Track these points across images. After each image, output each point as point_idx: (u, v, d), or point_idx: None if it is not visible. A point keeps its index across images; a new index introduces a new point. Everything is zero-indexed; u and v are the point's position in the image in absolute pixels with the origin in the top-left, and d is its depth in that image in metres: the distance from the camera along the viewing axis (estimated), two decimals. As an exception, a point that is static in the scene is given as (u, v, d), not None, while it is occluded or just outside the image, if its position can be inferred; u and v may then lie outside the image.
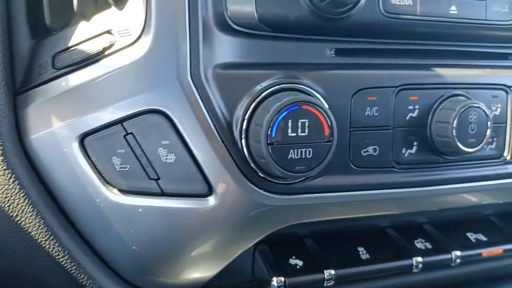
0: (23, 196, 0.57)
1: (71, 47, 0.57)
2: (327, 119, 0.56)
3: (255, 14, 0.56)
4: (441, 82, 0.65)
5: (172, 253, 0.61)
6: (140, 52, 0.55)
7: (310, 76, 0.59)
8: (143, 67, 0.55)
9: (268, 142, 0.54)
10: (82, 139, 0.57)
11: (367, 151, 0.62)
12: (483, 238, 0.76)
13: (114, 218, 0.59)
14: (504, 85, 0.69)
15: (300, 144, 0.55)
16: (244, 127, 0.56)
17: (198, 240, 0.61)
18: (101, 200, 0.57)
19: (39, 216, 0.58)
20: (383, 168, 0.63)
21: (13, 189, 0.57)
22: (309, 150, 0.55)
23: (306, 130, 0.55)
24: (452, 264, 0.71)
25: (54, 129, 0.57)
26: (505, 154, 0.70)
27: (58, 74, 0.58)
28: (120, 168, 0.57)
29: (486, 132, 0.64)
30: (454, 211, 0.77)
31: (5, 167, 0.56)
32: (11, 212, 0.58)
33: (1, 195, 0.58)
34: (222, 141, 0.56)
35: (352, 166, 0.61)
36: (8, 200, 0.58)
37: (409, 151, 0.65)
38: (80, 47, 0.57)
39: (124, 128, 0.56)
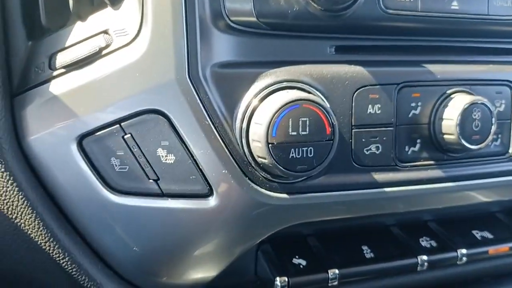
0: (22, 198, 0.57)
1: (68, 47, 0.57)
2: (328, 117, 0.55)
3: (253, 12, 0.56)
4: (443, 79, 0.64)
5: (174, 253, 0.61)
6: (137, 52, 0.55)
7: (311, 74, 0.59)
8: (140, 67, 0.54)
9: (269, 141, 0.53)
10: (81, 140, 0.56)
11: (370, 149, 0.61)
12: (489, 235, 0.75)
13: (114, 220, 0.58)
14: (508, 80, 0.68)
15: (301, 143, 0.54)
16: (244, 126, 0.56)
17: (199, 241, 0.60)
18: (100, 202, 0.57)
19: (38, 218, 0.58)
20: (386, 166, 0.62)
21: (12, 191, 0.57)
22: (310, 149, 0.55)
23: (307, 129, 0.54)
24: (458, 263, 0.70)
25: (52, 130, 0.57)
26: (510, 150, 0.69)
27: (55, 75, 0.57)
28: (119, 169, 0.56)
29: (491, 128, 0.63)
30: (459, 209, 0.75)
31: (3, 169, 0.56)
32: (10, 214, 0.58)
33: (0, 198, 0.57)
34: (222, 141, 0.56)
35: (355, 164, 0.61)
36: (7, 202, 0.57)
37: (412, 148, 0.64)
38: (76, 47, 0.56)
39: (123, 129, 0.55)
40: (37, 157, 0.58)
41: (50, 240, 0.58)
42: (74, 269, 0.60)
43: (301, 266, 0.65)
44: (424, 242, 0.71)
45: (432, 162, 0.64)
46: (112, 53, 0.55)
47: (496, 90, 0.67)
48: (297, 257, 0.66)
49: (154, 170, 0.56)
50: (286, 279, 0.63)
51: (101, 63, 0.56)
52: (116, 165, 0.56)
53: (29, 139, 0.58)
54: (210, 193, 0.57)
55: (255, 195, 0.57)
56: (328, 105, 0.58)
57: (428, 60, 0.65)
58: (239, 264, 0.65)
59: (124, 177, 0.56)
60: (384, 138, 0.61)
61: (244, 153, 0.56)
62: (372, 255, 0.68)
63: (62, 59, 0.56)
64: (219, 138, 0.56)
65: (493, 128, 0.63)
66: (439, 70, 0.64)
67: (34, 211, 0.57)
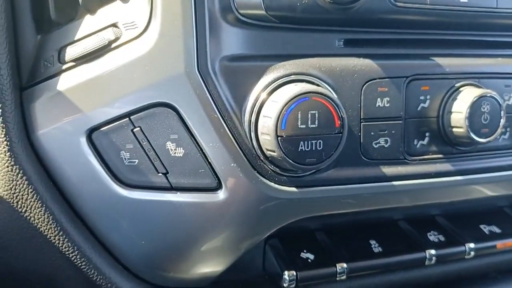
0: (32, 191, 0.57)
1: (77, 40, 0.57)
2: (338, 110, 0.55)
3: (262, 5, 0.56)
4: (452, 72, 0.64)
5: (182, 247, 0.61)
6: (147, 45, 0.54)
7: (319, 67, 0.59)
8: (149, 60, 0.54)
9: (278, 134, 0.53)
10: (90, 133, 0.56)
11: (378, 142, 0.61)
12: (497, 230, 0.75)
13: (123, 213, 0.58)
14: None
15: (310, 136, 0.54)
16: (253, 119, 0.56)
17: (207, 235, 0.60)
18: (109, 195, 0.57)
19: (48, 212, 0.58)
20: (395, 159, 0.62)
21: (21, 185, 0.57)
22: (320, 142, 0.55)
23: (316, 122, 0.54)
24: (466, 257, 0.70)
25: (61, 124, 0.57)
26: (520, 144, 0.68)
27: (64, 68, 0.57)
28: (129, 162, 0.56)
29: (500, 122, 0.62)
30: (467, 203, 0.76)
31: (12, 163, 0.56)
32: (20, 208, 0.58)
33: (9, 191, 0.57)
34: (231, 134, 0.56)
35: (363, 158, 0.60)
36: (17, 196, 0.57)
37: (421, 142, 0.63)
38: (86, 40, 0.56)
39: (132, 122, 0.55)
40: (46, 151, 0.58)
41: (60, 234, 0.58)
42: (84, 263, 0.60)
43: (309, 260, 0.65)
44: (432, 237, 0.71)
45: (440, 155, 0.64)
46: (121, 46, 0.55)
47: (505, 83, 0.67)
48: (305, 251, 0.67)
49: (163, 164, 0.56)
50: (294, 273, 0.63)
51: (110, 56, 0.56)
52: (125, 159, 0.56)
53: (38, 133, 0.58)
54: (219, 186, 0.57)
55: (264, 188, 0.57)
56: (337, 98, 0.58)
57: (437, 53, 0.64)
58: (247, 258, 0.65)
59: (133, 171, 0.56)
60: (392, 132, 0.61)
61: (253, 146, 0.56)
62: (380, 249, 0.68)
63: (71, 52, 0.56)
64: (228, 132, 0.55)
65: (502, 121, 0.63)
66: (448, 63, 0.64)
67: (44, 205, 0.57)
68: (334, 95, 0.57)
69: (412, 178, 0.63)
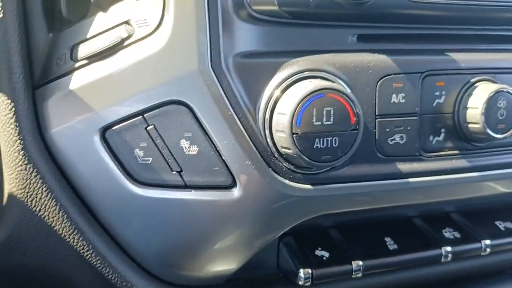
0: (46, 190, 0.57)
1: (89, 38, 0.57)
2: (353, 106, 0.54)
3: (275, 1, 0.55)
4: (467, 67, 0.63)
5: (196, 246, 0.60)
6: (159, 42, 0.54)
7: (333, 63, 0.58)
8: (162, 58, 0.54)
9: (293, 131, 0.52)
10: (103, 132, 0.56)
11: (394, 139, 0.60)
12: (513, 226, 0.74)
13: (137, 211, 0.58)
14: None
15: (325, 133, 0.53)
16: (267, 117, 0.55)
17: (222, 233, 0.60)
18: (123, 194, 0.57)
19: (62, 210, 0.58)
20: (410, 156, 0.61)
21: (35, 184, 0.57)
22: (335, 139, 0.54)
23: (332, 119, 0.53)
24: (482, 253, 0.70)
25: (75, 122, 0.57)
26: (537, 140, 0.67)
27: (77, 67, 0.57)
28: (142, 160, 0.56)
29: (516, 118, 0.62)
30: (482, 199, 0.75)
31: (26, 162, 0.56)
32: (34, 207, 0.58)
33: (23, 190, 0.57)
34: (245, 132, 0.55)
35: (379, 154, 0.60)
36: (31, 195, 0.57)
37: (436, 138, 0.63)
38: (98, 38, 0.56)
39: (146, 120, 0.55)
40: (60, 150, 0.58)
41: (74, 233, 0.58)
42: (99, 262, 0.60)
43: (324, 258, 0.64)
44: (448, 233, 0.71)
45: (456, 151, 0.63)
46: (134, 43, 0.55)
47: (522, 77, 0.66)
48: (319, 249, 0.66)
49: (177, 162, 0.56)
50: (310, 271, 0.62)
51: (123, 54, 0.55)
52: (139, 157, 0.56)
53: (51, 131, 0.57)
54: (233, 184, 0.56)
55: (279, 186, 0.57)
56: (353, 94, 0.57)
57: (452, 48, 0.64)
58: (261, 256, 0.65)
59: (147, 169, 0.56)
60: (408, 128, 0.60)
61: (267, 143, 0.56)
62: (395, 246, 0.67)
63: (83, 50, 0.56)
64: (242, 129, 0.55)
65: (519, 117, 0.62)
66: (463, 58, 0.63)
67: (58, 203, 0.57)
68: (349, 91, 0.56)
69: (428, 175, 0.62)
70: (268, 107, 0.55)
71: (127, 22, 0.56)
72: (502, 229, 0.73)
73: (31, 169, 0.56)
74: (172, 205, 0.57)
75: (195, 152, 0.55)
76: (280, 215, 0.59)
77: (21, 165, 0.56)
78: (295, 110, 0.52)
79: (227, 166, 0.56)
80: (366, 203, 0.62)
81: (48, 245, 0.60)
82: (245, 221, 0.59)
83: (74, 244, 0.59)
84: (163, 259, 0.62)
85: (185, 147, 0.55)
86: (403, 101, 0.60)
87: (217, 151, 0.55)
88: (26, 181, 0.57)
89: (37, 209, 0.58)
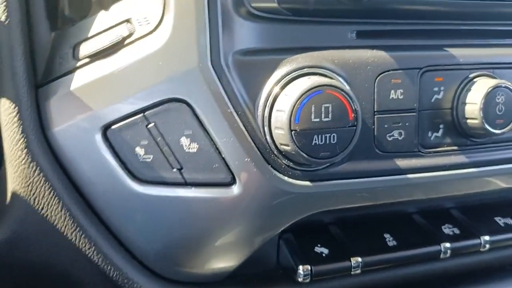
0: (49, 188, 0.58)
1: (91, 37, 0.57)
2: (351, 103, 0.55)
3: (275, -2, 0.55)
4: (466, 63, 0.63)
5: (197, 243, 0.61)
6: (160, 40, 0.55)
7: (332, 60, 0.58)
8: (163, 56, 0.54)
9: (292, 128, 0.53)
10: (105, 130, 0.57)
11: (392, 135, 0.61)
12: (512, 222, 0.74)
13: (138, 209, 0.59)
14: None
15: (324, 130, 0.54)
16: (266, 114, 0.56)
17: (222, 230, 0.60)
18: (125, 191, 0.57)
19: (64, 208, 0.58)
20: (409, 152, 0.62)
21: (38, 182, 0.57)
22: (334, 136, 0.54)
23: (330, 115, 0.54)
24: (481, 250, 0.70)
25: (77, 121, 0.57)
26: (536, 135, 0.68)
27: (79, 65, 0.57)
28: (143, 158, 0.56)
29: (515, 113, 0.62)
30: (482, 195, 0.75)
31: (29, 160, 0.56)
32: (37, 205, 0.58)
33: (26, 188, 0.58)
34: (245, 129, 0.56)
35: (377, 151, 0.60)
36: (34, 193, 0.58)
37: (435, 134, 0.63)
38: (100, 37, 0.56)
39: (146, 118, 0.56)
40: (62, 148, 0.58)
41: (77, 230, 0.59)
42: (100, 259, 0.60)
43: (324, 255, 0.65)
44: (447, 230, 0.71)
45: (455, 147, 0.64)
46: (135, 42, 0.56)
47: (521, 72, 0.66)
48: (319, 245, 0.66)
49: (177, 159, 0.56)
50: (309, 267, 0.63)
51: (124, 52, 0.56)
52: (140, 155, 0.56)
53: (54, 130, 0.58)
54: (233, 181, 0.57)
55: (278, 183, 0.57)
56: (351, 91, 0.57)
57: (450, 44, 0.64)
58: (261, 253, 0.65)
59: (148, 167, 0.57)
60: (406, 124, 0.61)
61: (267, 141, 0.56)
62: (394, 243, 0.67)
63: (85, 49, 0.57)
64: (241, 126, 0.55)
65: (517, 113, 0.62)
66: (461, 54, 0.63)
67: (61, 201, 0.58)
68: (347, 88, 0.57)
69: (427, 171, 0.62)
70: (267, 104, 0.56)
71: (128, 21, 0.56)
72: (502, 225, 0.73)
73: (34, 168, 0.57)
74: (172, 202, 0.57)
75: (195, 150, 0.56)
76: (280, 212, 0.60)
77: (24, 164, 0.57)
78: (294, 107, 0.53)
79: (226, 163, 0.56)
80: (365, 199, 0.62)
81: (50, 243, 0.61)
82: (245, 217, 0.59)
83: (76, 241, 0.59)
84: (164, 256, 0.63)
85: (185, 145, 0.56)
86: (402, 97, 0.60)
87: (217, 148, 0.56)
88: (29, 179, 0.58)
89: (40, 207, 0.58)
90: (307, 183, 0.58)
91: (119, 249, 0.61)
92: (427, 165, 0.62)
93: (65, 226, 0.59)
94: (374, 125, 0.60)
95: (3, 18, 0.55)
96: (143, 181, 0.57)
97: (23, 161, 0.57)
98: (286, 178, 0.58)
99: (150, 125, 0.56)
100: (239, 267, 0.65)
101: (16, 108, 0.56)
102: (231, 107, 0.55)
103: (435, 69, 0.62)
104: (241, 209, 0.58)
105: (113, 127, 0.56)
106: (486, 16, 0.65)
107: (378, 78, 0.59)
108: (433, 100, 0.62)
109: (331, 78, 0.57)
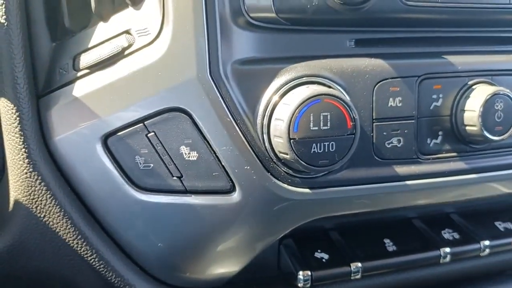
0: (50, 197, 0.58)
1: (91, 48, 0.58)
2: (350, 111, 0.55)
3: (273, 8, 0.56)
4: (465, 70, 0.64)
5: (197, 249, 0.62)
6: (159, 51, 0.55)
7: (330, 69, 0.59)
8: (162, 66, 0.55)
9: (290, 137, 0.53)
10: (105, 139, 0.57)
11: (391, 142, 0.61)
12: (512, 227, 0.75)
13: (139, 217, 0.59)
14: None
15: (322, 138, 0.54)
16: (265, 122, 0.56)
17: (222, 236, 0.61)
18: (126, 199, 0.58)
19: (66, 216, 0.59)
20: (408, 159, 0.62)
21: (40, 191, 0.58)
22: (332, 144, 0.55)
23: (328, 124, 0.54)
24: (481, 254, 0.70)
25: (77, 130, 0.58)
26: (534, 141, 0.68)
27: (79, 76, 0.58)
28: (144, 166, 0.57)
29: (513, 120, 0.62)
30: (482, 200, 0.75)
31: (31, 169, 0.57)
32: (39, 213, 0.59)
33: (28, 197, 0.59)
34: (244, 137, 0.56)
35: (376, 158, 0.60)
36: (36, 201, 0.59)
37: (434, 141, 0.63)
38: (99, 48, 0.57)
39: (146, 127, 0.56)
40: (63, 157, 0.59)
41: (78, 238, 0.60)
42: (102, 266, 0.61)
43: (324, 260, 0.65)
44: (447, 235, 0.72)
45: (454, 154, 0.64)
46: (135, 52, 0.56)
47: (520, 79, 0.67)
48: (319, 251, 0.67)
49: (177, 168, 0.57)
50: (309, 272, 0.63)
51: (124, 63, 0.56)
52: (140, 163, 0.57)
53: (55, 139, 0.59)
54: (232, 189, 0.58)
55: (277, 190, 0.58)
56: (349, 99, 0.58)
57: (449, 51, 0.64)
58: (262, 258, 0.66)
59: (148, 175, 0.57)
60: (405, 131, 0.61)
61: (266, 149, 0.57)
62: (394, 248, 0.68)
63: (85, 59, 0.57)
64: (241, 135, 0.56)
65: (516, 120, 0.62)
66: (460, 61, 0.64)
67: (62, 209, 0.59)
68: (346, 97, 0.57)
69: (426, 177, 0.63)
70: (266, 113, 0.56)
71: (127, 32, 0.57)
72: (502, 229, 0.74)
73: (36, 177, 0.58)
74: (173, 209, 0.58)
75: (195, 158, 0.56)
76: (279, 219, 0.61)
77: (26, 173, 0.58)
78: (292, 116, 0.53)
79: (226, 171, 0.57)
80: (364, 205, 0.63)
81: (52, 250, 0.62)
82: (245, 224, 0.60)
83: (78, 248, 0.60)
84: (165, 262, 0.63)
85: (185, 153, 0.56)
86: (400, 104, 0.61)
87: (217, 156, 0.56)
88: (31, 188, 0.58)
89: (42, 215, 0.59)
90: (307, 190, 0.59)
91: (120, 255, 0.62)
92: (426, 171, 0.63)
93: (67, 234, 0.60)
94: (372, 132, 0.60)
95: (3, 30, 0.56)
96: (144, 189, 0.58)
97: (25, 170, 0.58)
98: (285, 185, 0.58)
99: (150, 134, 0.56)
100: (240, 272, 0.66)
101: (18, 118, 0.56)
102: (230, 116, 0.56)
103: (433, 76, 0.62)
104: (241, 216, 0.59)
105: (113, 136, 0.57)
106: (484, 23, 0.65)
107: (376, 86, 0.60)
108: (431, 107, 0.62)
109: (329, 87, 0.58)
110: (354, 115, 0.55)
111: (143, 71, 0.55)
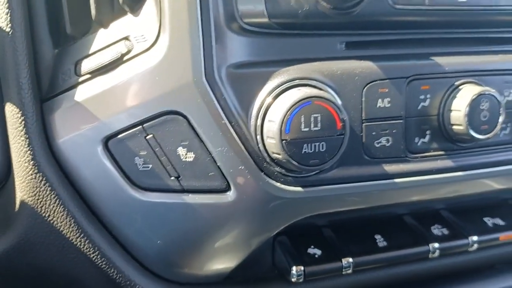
0: (54, 197, 0.61)
1: (92, 54, 0.60)
2: (339, 113, 0.57)
3: (265, 13, 0.58)
4: (452, 70, 0.65)
5: (195, 246, 0.64)
6: (157, 56, 0.57)
7: (321, 71, 0.61)
8: (160, 71, 0.57)
9: (282, 138, 0.56)
10: (106, 141, 0.60)
11: (380, 142, 0.63)
12: (501, 222, 0.77)
13: (139, 215, 0.62)
14: None
15: (313, 139, 0.56)
16: (258, 124, 0.58)
17: (218, 233, 0.63)
18: (127, 199, 0.61)
19: (70, 215, 0.62)
20: (396, 157, 0.64)
21: (45, 191, 0.61)
22: (323, 144, 0.57)
23: (319, 125, 0.57)
24: (469, 249, 0.72)
25: (80, 133, 0.60)
26: (520, 139, 0.70)
27: (81, 81, 0.61)
28: (143, 167, 0.60)
29: (498, 118, 0.64)
30: (472, 197, 0.77)
31: (36, 171, 0.60)
32: (44, 212, 0.62)
33: (34, 197, 0.61)
34: (238, 139, 0.59)
35: (366, 157, 0.63)
36: (40, 201, 0.61)
37: (422, 140, 0.65)
38: (100, 53, 0.59)
39: (145, 130, 0.59)
40: (66, 158, 0.61)
41: (81, 236, 0.62)
42: (104, 262, 0.64)
43: (316, 256, 0.68)
44: (436, 230, 0.74)
45: (442, 152, 0.66)
46: (133, 58, 0.58)
47: (504, 79, 0.68)
48: (312, 247, 0.69)
49: (175, 168, 0.59)
50: (302, 268, 0.66)
51: (123, 68, 0.59)
52: (139, 164, 0.59)
53: (58, 141, 0.61)
54: (228, 188, 0.60)
55: (271, 189, 0.60)
56: (339, 101, 0.60)
57: (437, 52, 0.66)
58: (257, 255, 0.68)
59: (147, 175, 0.60)
60: (394, 131, 0.63)
61: (259, 149, 0.59)
62: (385, 243, 0.70)
63: (86, 65, 0.60)
64: (235, 136, 0.58)
65: (501, 118, 0.64)
66: (447, 62, 0.65)
67: (66, 209, 0.61)
68: (335, 99, 0.59)
69: (414, 175, 0.65)
70: (260, 115, 0.58)
71: (126, 38, 0.59)
72: (490, 225, 0.76)
73: (41, 178, 0.60)
74: (171, 208, 0.61)
75: (191, 159, 0.59)
76: (273, 216, 0.63)
77: (31, 174, 0.60)
78: (284, 118, 0.56)
79: (221, 171, 0.59)
80: (355, 203, 0.65)
81: (57, 248, 0.64)
82: (240, 222, 0.62)
83: (81, 246, 0.63)
84: (164, 258, 0.66)
85: (182, 154, 0.59)
86: (389, 105, 0.63)
87: (212, 157, 0.59)
88: (36, 189, 0.61)
89: (47, 215, 0.62)
90: (299, 188, 0.61)
91: (121, 252, 0.65)
92: (414, 169, 0.65)
93: (70, 232, 0.62)
94: (362, 132, 0.62)
95: (9, 38, 0.58)
96: (143, 189, 0.61)
97: (30, 171, 0.60)
98: (278, 184, 0.60)
99: (148, 136, 0.59)
100: (236, 268, 0.68)
101: (23, 122, 0.59)
102: (225, 118, 0.58)
103: (421, 77, 0.64)
104: (236, 214, 0.62)
105: (114, 138, 0.59)
106: (472, 24, 0.67)
107: (365, 88, 0.62)
108: (419, 107, 0.64)
109: (320, 89, 0.60)
110: (343, 116, 0.58)
111: (142, 76, 0.58)
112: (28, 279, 0.70)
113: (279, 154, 0.57)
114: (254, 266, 0.71)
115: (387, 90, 0.63)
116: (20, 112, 0.59)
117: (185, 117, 0.58)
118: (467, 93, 0.64)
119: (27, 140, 0.60)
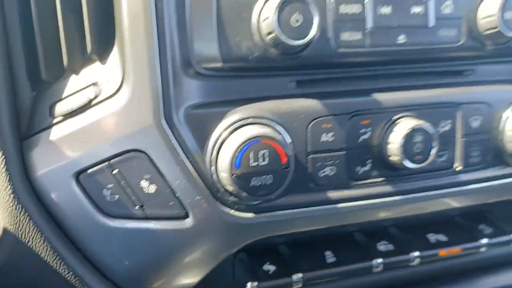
0: (33, 225, 0.67)
1: (64, 98, 0.66)
2: (284, 149, 0.64)
3: (220, 59, 0.64)
4: (390, 106, 0.71)
5: (160, 266, 0.71)
6: (121, 101, 0.64)
7: (272, 110, 0.67)
8: (124, 114, 0.64)
9: (232, 173, 0.63)
10: (78, 175, 0.66)
11: (324, 171, 0.70)
12: (443, 238, 0.83)
13: (109, 240, 0.68)
14: (453, 102, 0.75)
15: (261, 172, 0.63)
16: (213, 159, 0.64)
17: (180, 255, 0.70)
18: (97, 225, 0.67)
19: (47, 241, 0.68)
20: (340, 185, 0.70)
21: (24, 220, 0.67)
22: (270, 177, 0.64)
23: (266, 160, 0.64)
24: (411, 264, 0.79)
25: (55, 167, 0.66)
26: (455, 165, 0.76)
27: (55, 122, 0.67)
28: (110, 198, 0.66)
29: (431, 150, 0.71)
30: (419, 214, 0.84)
31: (16, 203, 0.66)
32: (24, 239, 0.68)
33: (15, 225, 0.68)
34: (195, 172, 0.65)
35: (311, 185, 0.69)
36: (21, 229, 0.68)
37: (363, 168, 0.72)
38: (71, 98, 0.66)
39: (111, 166, 0.65)
40: (44, 190, 0.67)
41: (57, 259, 0.69)
42: (77, 281, 0.70)
43: (270, 272, 0.74)
44: (382, 246, 0.80)
45: (382, 179, 0.72)
46: (101, 103, 0.65)
47: (441, 112, 0.74)
48: (268, 263, 0.76)
49: (139, 199, 0.66)
50: (256, 283, 0.73)
51: (92, 111, 0.65)
52: (107, 196, 0.66)
53: (36, 175, 0.67)
54: (186, 215, 0.67)
55: (225, 216, 0.67)
56: (287, 137, 0.67)
57: (378, 88, 0.72)
58: (219, 270, 0.75)
59: (115, 205, 0.66)
60: (337, 161, 0.69)
61: (214, 181, 0.65)
62: (333, 259, 0.77)
63: (60, 108, 0.66)
64: (191, 170, 0.65)
65: (434, 149, 0.70)
66: (386, 98, 0.71)
67: (43, 235, 0.68)
68: (281, 136, 0.66)
69: (357, 200, 0.71)
70: (214, 151, 0.65)
71: (95, 84, 0.65)
72: (433, 241, 0.83)
73: (20, 209, 0.67)
74: (136, 233, 0.68)
75: (153, 191, 0.66)
76: (228, 240, 0.70)
77: (12, 206, 0.67)
78: (234, 155, 0.62)
79: (180, 201, 0.66)
80: (302, 226, 0.72)
81: (36, 270, 0.70)
82: (199, 245, 0.69)
83: (57, 268, 0.69)
84: (133, 276, 0.72)
85: (145, 187, 0.66)
86: (332, 138, 0.69)
87: (172, 189, 0.65)
88: (16, 218, 0.67)
89: (26, 241, 0.68)
90: (251, 214, 0.68)
91: (94, 273, 0.71)
92: (356, 195, 0.71)
93: (47, 256, 0.69)
94: (307, 164, 0.69)
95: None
96: (112, 216, 0.67)
97: (11, 203, 0.67)
98: (232, 211, 0.67)
99: (114, 171, 0.65)
100: (200, 283, 0.75)
101: (4, 160, 0.65)
102: (182, 154, 0.64)
103: (362, 113, 0.70)
104: (195, 238, 0.69)
105: (84, 172, 0.66)
106: (411, 61, 0.73)
107: (310, 124, 0.68)
108: (360, 140, 0.71)
109: (269, 126, 0.66)
110: (288, 152, 0.65)
111: (108, 119, 0.64)
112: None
113: (231, 186, 0.64)
114: (217, 281, 0.78)
115: (330, 125, 0.69)
116: (1, 150, 0.65)
117: (147, 154, 0.64)
118: (402, 127, 0.70)
119: (8, 176, 0.66)
